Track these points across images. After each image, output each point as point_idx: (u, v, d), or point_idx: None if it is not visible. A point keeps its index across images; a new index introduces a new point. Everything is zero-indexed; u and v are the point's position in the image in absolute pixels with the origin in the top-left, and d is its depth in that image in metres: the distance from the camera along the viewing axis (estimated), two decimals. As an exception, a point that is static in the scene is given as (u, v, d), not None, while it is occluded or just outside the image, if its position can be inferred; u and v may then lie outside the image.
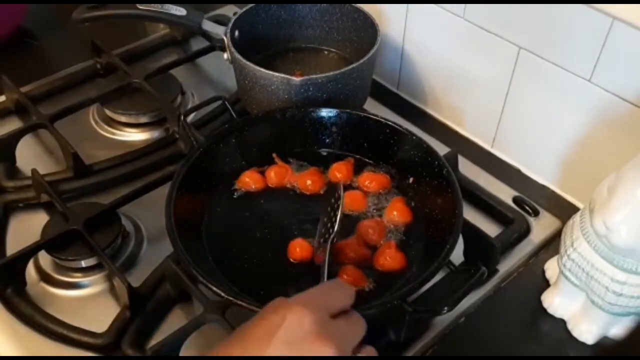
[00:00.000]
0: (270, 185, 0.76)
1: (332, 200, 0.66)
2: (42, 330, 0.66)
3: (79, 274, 0.72)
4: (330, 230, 0.64)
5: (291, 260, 0.68)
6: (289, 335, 0.44)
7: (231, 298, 0.59)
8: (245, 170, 0.77)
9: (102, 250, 0.70)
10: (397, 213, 0.72)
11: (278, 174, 0.77)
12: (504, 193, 0.81)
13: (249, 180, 0.76)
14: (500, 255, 0.73)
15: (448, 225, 0.66)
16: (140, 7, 0.87)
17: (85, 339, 0.65)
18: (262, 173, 0.77)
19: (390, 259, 0.67)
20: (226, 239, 0.70)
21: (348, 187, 0.75)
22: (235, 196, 0.75)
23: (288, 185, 0.76)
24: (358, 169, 0.78)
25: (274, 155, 0.79)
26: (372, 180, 0.76)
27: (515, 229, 0.76)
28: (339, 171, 0.77)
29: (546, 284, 0.71)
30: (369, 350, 0.50)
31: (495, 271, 0.73)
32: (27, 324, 0.67)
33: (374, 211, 0.73)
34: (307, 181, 0.76)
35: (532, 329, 0.68)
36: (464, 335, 0.67)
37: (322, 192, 0.76)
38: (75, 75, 0.99)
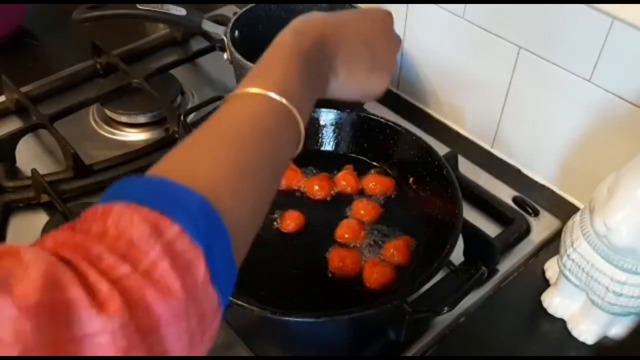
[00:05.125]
0: None
1: None
2: (42, 330, 0.66)
3: (79, 274, 0.72)
4: None
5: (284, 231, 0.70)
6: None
7: (231, 298, 0.58)
8: None
9: (102, 250, 0.70)
10: (394, 251, 0.68)
11: (287, 176, 0.76)
12: (504, 193, 0.81)
13: None
14: (500, 255, 0.73)
15: (448, 225, 0.66)
16: (140, 7, 0.87)
17: (85, 339, 0.65)
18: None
19: (378, 275, 0.66)
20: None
21: (357, 195, 0.75)
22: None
23: (295, 188, 0.76)
24: (363, 171, 0.78)
25: None
26: (376, 182, 0.76)
27: (515, 229, 0.76)
28: (344, 180, 0.76)
29: (546, 284, 0.71)
30: None
31: (495, 271, 0.73)
32: (27, 324, 0.67)
33: (373, 242, 0.71)
34: (315, 186, 0.75)
35: (532, 329, 0.68)
36: (464, 335, 0.67)
37: (328, 198, 0.75)
38: (75, 75, 0.99)
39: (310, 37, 0.49)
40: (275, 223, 0.72)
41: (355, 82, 0.55)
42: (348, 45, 0.53)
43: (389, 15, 0.58)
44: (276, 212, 0.72)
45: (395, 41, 0.59)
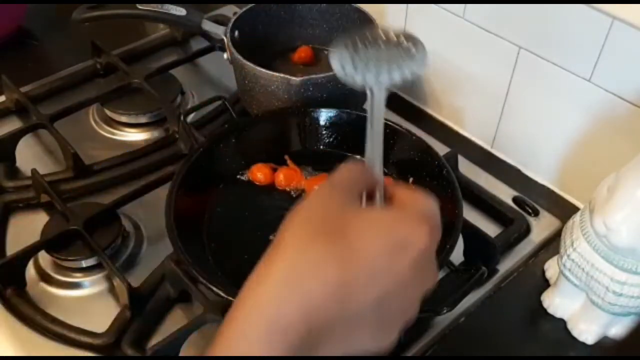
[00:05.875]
0: (277, 186, 0.76)
1: None
2: (42, 331, 0.66)
3: (79, 274, 0.72)
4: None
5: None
6: (420, 256, 0.38)
7: (231, 298, 0.58)
8: (258, 162, 0.77)
9: (102, 250, 0.70)
10: None
11: (287, 177, 0.76)
12: (504, 193, 0.81)
13: (260, 175, 0.76)
14: (500, 255, 0.73)
15: (448, 225, 0.66)
16: (140, 7, 0.87)
17: (86, 339, 0.65)
18: (274, 170, 0.77)
19: None
20: (226, 239, 0.70)
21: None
22: (235, 196, 0.75)
23: (295, 188, 0.76)
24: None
25: (286, 157, 0.78)
26: None
27: (515, 229, 0.76)
28: None
29: (546, 284, 0.71)
30: None
31: (495, 271, 0.73)
32: (27, 324, 0.67)
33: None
34: (315, 187, 0.75)
35: (532, 329, 0.68)
36: (464, 335, 0.67)
37: None
38: (75, 75, 0.99)
39: (287, 340, 0.35)
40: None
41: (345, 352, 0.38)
42: (346, 327, 0.36)
43: (433, 242, 0.39)
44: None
45: (429, 281, 0.40)
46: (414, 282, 0.39)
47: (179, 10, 0.89)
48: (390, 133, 0.77)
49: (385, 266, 0.37)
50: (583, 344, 0.66)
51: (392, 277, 0.37)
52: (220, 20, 0.92)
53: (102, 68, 0.99)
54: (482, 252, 0.71)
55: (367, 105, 0.46)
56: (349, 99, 0.83)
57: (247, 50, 0.83)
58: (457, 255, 0.70)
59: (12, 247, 0.73)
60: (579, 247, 0.61)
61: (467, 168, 0.84)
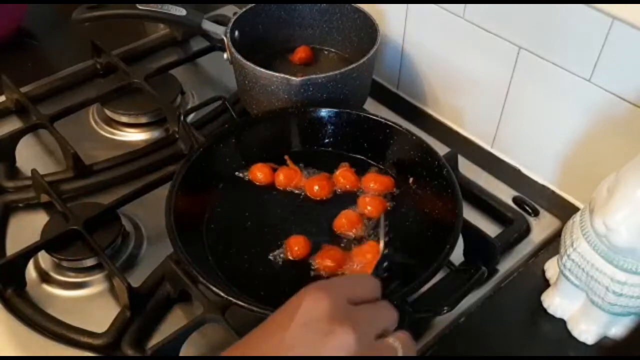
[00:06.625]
0: (277, 186, 0.76)
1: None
2: (42, 331, 0.66)
3: (79, 274, 0.72)
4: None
5: (290, 258, 0.68)
6: (305, 317, 0.45)
7: (231, 298, 0.59)
8: (258, 162, 0.77)
9: (102, 250, 0.70)
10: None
11: (287, 176, 0.76)
12: (504, 193, 0.82)
13: (260, 175, 0.76)
14: (500, 255, 0.73)
15: (448, 225, 0.66)
16: (140, 7, 0.87)
17: (85, 339, 0.65)
18: (274, 170, 0.77)
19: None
20: (226, 239, 0.70)
21: (356, 194, 0.75)
22: (235, 195, 0.75)
23: (295, 188, 0.76)
24: (362, 171, 0.78)
25: (286, 157, 0.78)
26: (376, 181, 0.76)
27: (515, 229, 0.76)
28: (343, 177, 0.76)
29: (546, 284, 0.71)
30: (401, 337, 0.48)
31: (495, 271, 0.73)
32: (27, 324, 0.67)
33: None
34: (315, 187, 0.75)
35: (532, 329, 0.68)
36: (464, 335, 0.67)
37: (328, 198, 0.75)
38: (75, 75, 0.99)
39: None
40: (281, 256, 0.69)
41: None
42: None
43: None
44: (279, 244, 0.70)
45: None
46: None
47: (179, 10, 0.89)
48: (390, 133, 0.77)
49: None
50: (583, 344, 0.66)
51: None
52: (220, 20, 0.92)
53: (102, 68, 0.99)
54: (482, 252, 0.71)
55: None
56: (349, 99, 0.83)
57: (247, 51, 0.83)
58: (457, 255, 0.70)
59: (12, 247, 0.73)
60: (579, 247, 0.61)
61: (467, 168, 0.84)
